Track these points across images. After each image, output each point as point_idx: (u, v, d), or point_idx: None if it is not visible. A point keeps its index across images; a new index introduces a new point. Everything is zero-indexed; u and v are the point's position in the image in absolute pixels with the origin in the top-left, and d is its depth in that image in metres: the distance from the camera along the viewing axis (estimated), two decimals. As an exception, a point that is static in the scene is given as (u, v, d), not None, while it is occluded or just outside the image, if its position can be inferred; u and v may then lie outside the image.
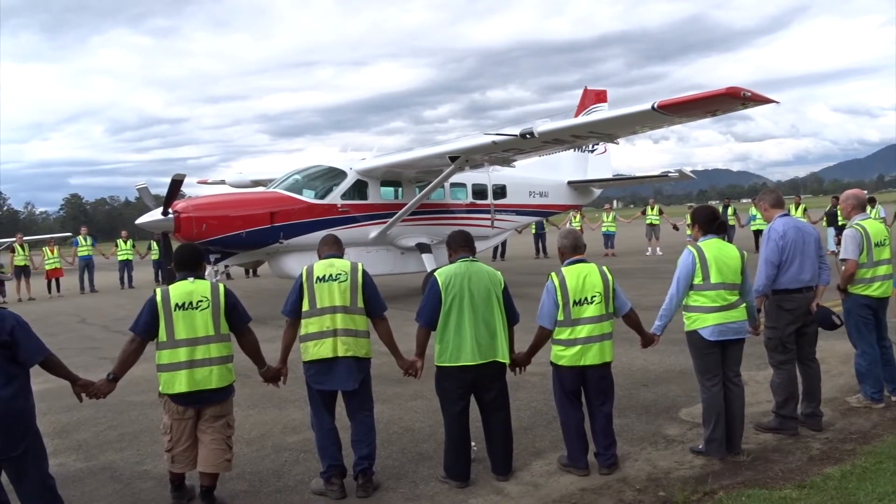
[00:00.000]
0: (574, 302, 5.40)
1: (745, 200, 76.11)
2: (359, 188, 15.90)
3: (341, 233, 15.47)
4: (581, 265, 5.53)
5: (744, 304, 5.71)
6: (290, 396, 8.29)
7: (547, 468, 5.70)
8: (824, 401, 6.50)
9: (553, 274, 5.55)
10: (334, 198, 15.51)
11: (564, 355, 5.45)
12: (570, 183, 20.78)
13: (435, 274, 5.46)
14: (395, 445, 6.40)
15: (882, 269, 6.73)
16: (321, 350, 5.31)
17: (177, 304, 5.00)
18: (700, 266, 5.62)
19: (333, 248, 5.71)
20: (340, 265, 5.47)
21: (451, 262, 5.58)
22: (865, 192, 7.33)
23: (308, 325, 5.36)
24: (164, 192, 14.01)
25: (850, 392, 7.19)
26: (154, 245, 26.37)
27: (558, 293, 5.43)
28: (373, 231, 15.86)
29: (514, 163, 16.08)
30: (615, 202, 27.39)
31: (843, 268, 6.63)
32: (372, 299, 5.46)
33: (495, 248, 25.37)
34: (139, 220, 14.32)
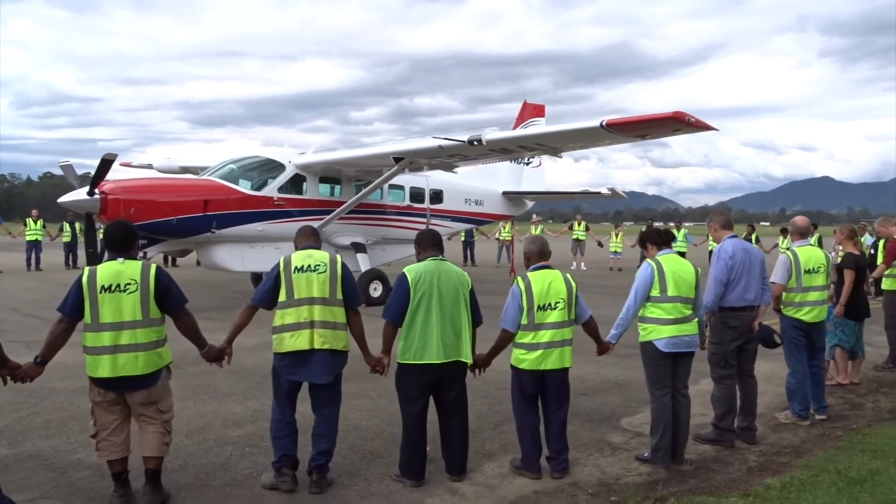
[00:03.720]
0: (538, 307, 5.48)
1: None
2: (296, 182, 15.60)
3: (275, 227, 15.25)
4: (546, 271, 5.62)
5: (696, 319, 5.93)
6: (227, 389, 8.06)
7: (499, 470, 5.74)
8: (753, 416, 6.80)
9: (519, 278, 5.61)
10: (271, 190, 15.16)
11: (526, 359, 5.51)
12: (505, 193, 21.04)
13: (404, 270, 5.42)
14: (344, 443, 6.27)
15: (813, 296, 7.12)
16: (298, 342, 5.19)
17: (103, 287, 4.73)
18: (658, 279, 5.80)
19: (311, 239, 5.59)
20: (319, 256, 5.37)
21: (419, 261, 5.56)
22: (808, 220, 7.75)
23: (285, 316, 5.23)
24: (61, 173, 13.36)
25: (775, 409, 7.57)
26: (66, 226, 25.11)
27: (524, 297, 5.49)
28: (308, 227, 15.58)
29: (457, 169, 16.16)
30: (533, 216, 27.93)
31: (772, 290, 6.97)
32: (350, 292, 5.39)
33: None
34: (62, 199, 13.60)
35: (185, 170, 20.03)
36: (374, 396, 7.87)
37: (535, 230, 27.85)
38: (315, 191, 15.87)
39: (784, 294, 7.13)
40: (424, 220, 18.11)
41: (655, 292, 5.82)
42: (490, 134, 12.61)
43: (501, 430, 6.76)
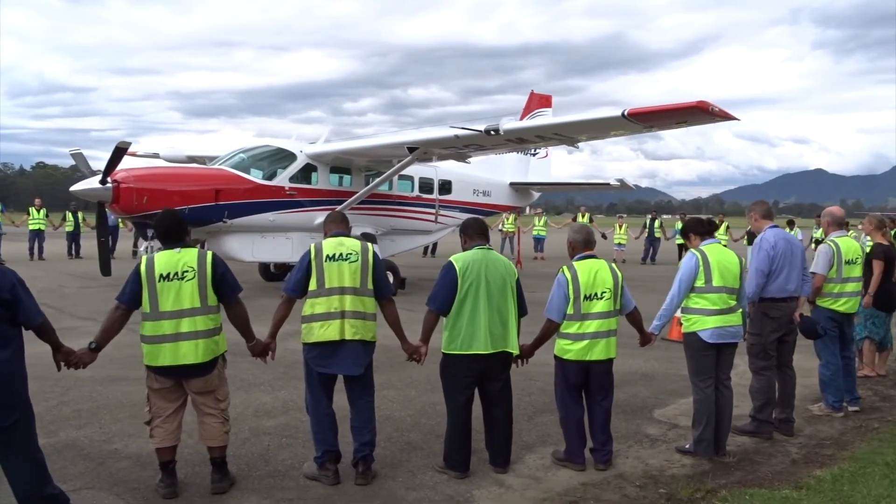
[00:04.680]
0: (585, 297, 5.41)
1: (666, 216, 78.20)
2: (308, 172, 15.49)
3: (286, 217, 15.14)
4: (592, 260, 5.55)
5: (741, 309, 5.88)
6: (254, 380, 7.98)
7: (541, 462, 5.69)
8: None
9: (565, 268, 5.54)
10: (282, 180, 15.03)
11: (571, 349, 5.44)
12: (512, 184, 20.95)
13: (451, 259, 5.34)
14: (381, 434, 6.17)
15: (850, 286, 7.08)
16: (328, 332, 5.10)
17: (161, 275, 4.72)
18: (703, 269, 5.75)
19: (341, 226, 5.50)
20: (350, 244, 5.28)
21: (465, 250, 5.48)
22: (843, 211, 7.70)
23: (314, 306, 5.15)
24: (62, 162, 13.22)
25: (805, 400, 7.51)
26: (69, 216, 24.91)
27: (570, 287, 5.43)
28: (319, 217, 15.44)
29: (469, 159, 16.04)
30: (528, 209, 27.75)
31: (812, 281, 6.90)
32: (381, 281, 5.31)
33: (426, 245, 25.23)
34: (74, 187, 13.46)
35: (191, 159, 19.88)
36: (402, 387, 7.82)
37: (539, 222, 27.84)
38: (326, 181, 15.76)
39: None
40: (433, 210, 18.04)
41: (700, 283, 5.76)
42: (507, 123, 12.50)
43: (536, 421, 6.71)
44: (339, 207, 15.19)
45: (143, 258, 4.85)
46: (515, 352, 5.40)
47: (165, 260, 4.78)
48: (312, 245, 5.31)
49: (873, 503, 4.72)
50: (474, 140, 13.18)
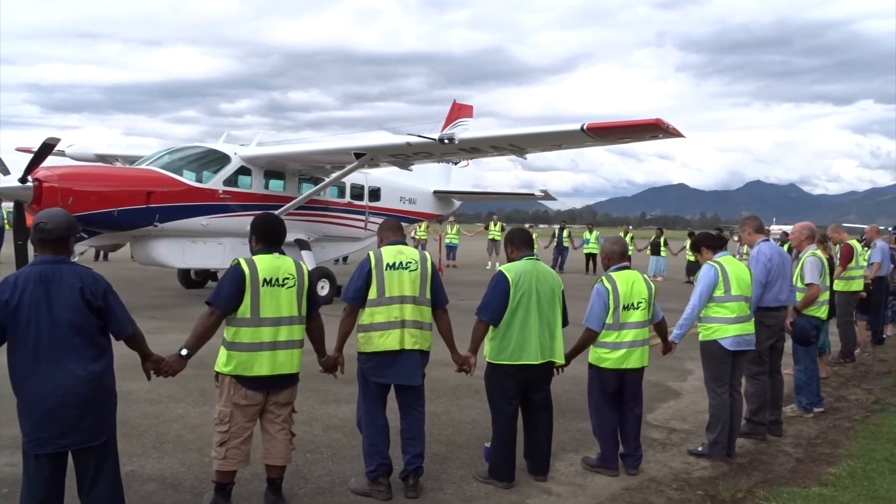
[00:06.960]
0: (623, 307, 5.58)
1: (545, 224, 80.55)
2: (242, 175, 14.95)
3: (219, 221, 14.54)
4: (629, 272, 5.73)
5: (753, 318, 6.24)
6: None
7: (572, 468, 5.80)
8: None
9: (604, 278, 5.70)
10: (216, 183, 14.41)
11: (609, 358, 5.59)
12: (435, 192, 21.07)
13: (503, 270, 5.35)
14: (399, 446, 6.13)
15: (827, 295, 7.69)
16: (387, 341, 5.00)
17: (265, 280, 4.53)
18: (722, 279, 6.06)
19: (398, 234, 5.41)
20: (410, 253, 5.20)
21: (511, 260, 5.51)
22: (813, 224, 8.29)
23: (375, 315, 5.03)
24: None
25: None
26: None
27: (610, 297, 5.58)
28: (252, 222, 14.95)
29: (412, 167, 15.98)
30: (451, 217, 27.97)
31: (808, 291, 7.42)
32: (438, 291, 5.25)
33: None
34: (-9, 185, 12.32)
35: (100, 158, 18.68)
36: (388, 398, 7.68)
37: (451, 230, 28.10)
38: (260, 185, 15.26)
39: None
40: (363, 217, 17.85)
41: (719, 292, 6.06)
42: (462, 133, 12.59)
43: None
44: (277, 212, 14.76)
45: (242, 261, 4.57)
46: (561, 361, 5.49)
47: (268, 265, 4.58)
48: (371, 253, 5.18)
49: (899, 495, 5.15)
50: (426, 148, 13.19)
